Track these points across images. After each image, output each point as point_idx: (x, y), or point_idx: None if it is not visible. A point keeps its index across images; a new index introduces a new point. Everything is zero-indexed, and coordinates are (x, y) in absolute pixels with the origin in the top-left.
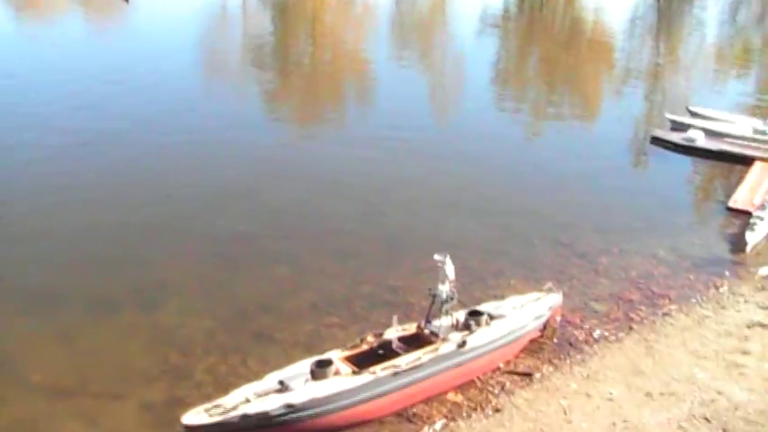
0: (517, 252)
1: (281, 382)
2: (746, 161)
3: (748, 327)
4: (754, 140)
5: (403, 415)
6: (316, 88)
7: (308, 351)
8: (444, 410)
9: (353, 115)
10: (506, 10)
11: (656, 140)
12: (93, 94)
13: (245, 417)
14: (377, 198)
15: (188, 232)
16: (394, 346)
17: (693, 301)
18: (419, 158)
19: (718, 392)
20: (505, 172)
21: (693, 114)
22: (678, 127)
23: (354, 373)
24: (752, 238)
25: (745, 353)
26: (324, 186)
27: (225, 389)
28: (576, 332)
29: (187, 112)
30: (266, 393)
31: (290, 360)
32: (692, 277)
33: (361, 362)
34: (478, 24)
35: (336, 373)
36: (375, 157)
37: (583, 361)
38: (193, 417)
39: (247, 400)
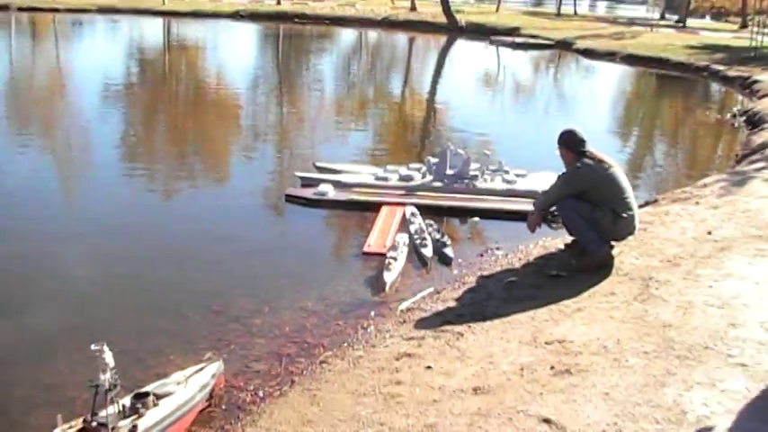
0: (172, 327)
1: None
2: (374, 207)
3: (397, 359)
4: (378, 187)
5: None
6: None
7: None
8: None
9: None
10: (128, 81)
11: (291, 198)
12: None
13: None
14: (5, 293)
15: None
16: None
17: (346, 344)
18: (53, 245)
19: (381, 424)
20: (145, 247)
21: (320, 169)
22: (308, 183)
23: None
24: (389, 277)
25: (398, 383)
26: None
27: None
28: (241, 395)
29: None
30: None
31: None
32: (341, 323)
33: None
34: (100, 97)
35: None
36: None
37: (253, 421)
38: None
39: None
